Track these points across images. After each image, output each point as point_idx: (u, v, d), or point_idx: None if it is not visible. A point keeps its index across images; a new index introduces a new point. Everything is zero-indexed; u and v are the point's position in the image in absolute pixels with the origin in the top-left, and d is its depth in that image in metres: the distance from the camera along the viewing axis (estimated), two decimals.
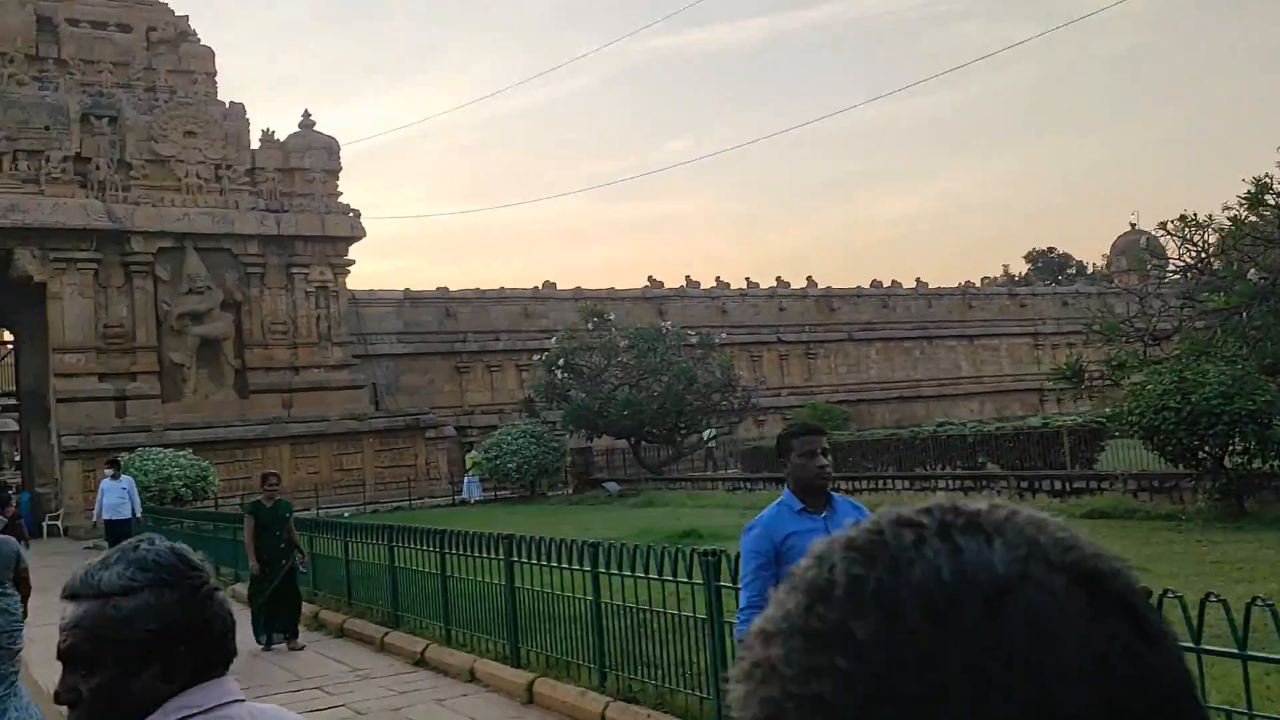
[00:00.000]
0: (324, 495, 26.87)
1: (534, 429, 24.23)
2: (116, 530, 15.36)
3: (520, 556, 6.56)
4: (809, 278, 41.03)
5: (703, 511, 17.35)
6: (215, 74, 30.03)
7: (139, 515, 15.48)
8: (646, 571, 5.32)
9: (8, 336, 32.30)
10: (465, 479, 26.80)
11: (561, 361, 24.44)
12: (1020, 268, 67.27)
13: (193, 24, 30.49)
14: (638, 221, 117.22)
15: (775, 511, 3.38)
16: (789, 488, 3.40)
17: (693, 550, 5.04)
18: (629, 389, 24.34)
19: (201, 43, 30.09)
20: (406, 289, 33.54)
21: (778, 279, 40.33)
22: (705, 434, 26.08)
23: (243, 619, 8.44)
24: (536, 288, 36.10)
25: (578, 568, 5.97)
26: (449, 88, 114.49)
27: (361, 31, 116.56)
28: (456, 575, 7.30)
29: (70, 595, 1.36)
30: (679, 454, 24.99)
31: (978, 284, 47.06)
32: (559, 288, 36.58)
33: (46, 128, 25.96)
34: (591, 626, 5.79)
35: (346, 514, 24.57)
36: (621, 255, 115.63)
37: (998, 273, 58.71)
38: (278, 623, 8.59)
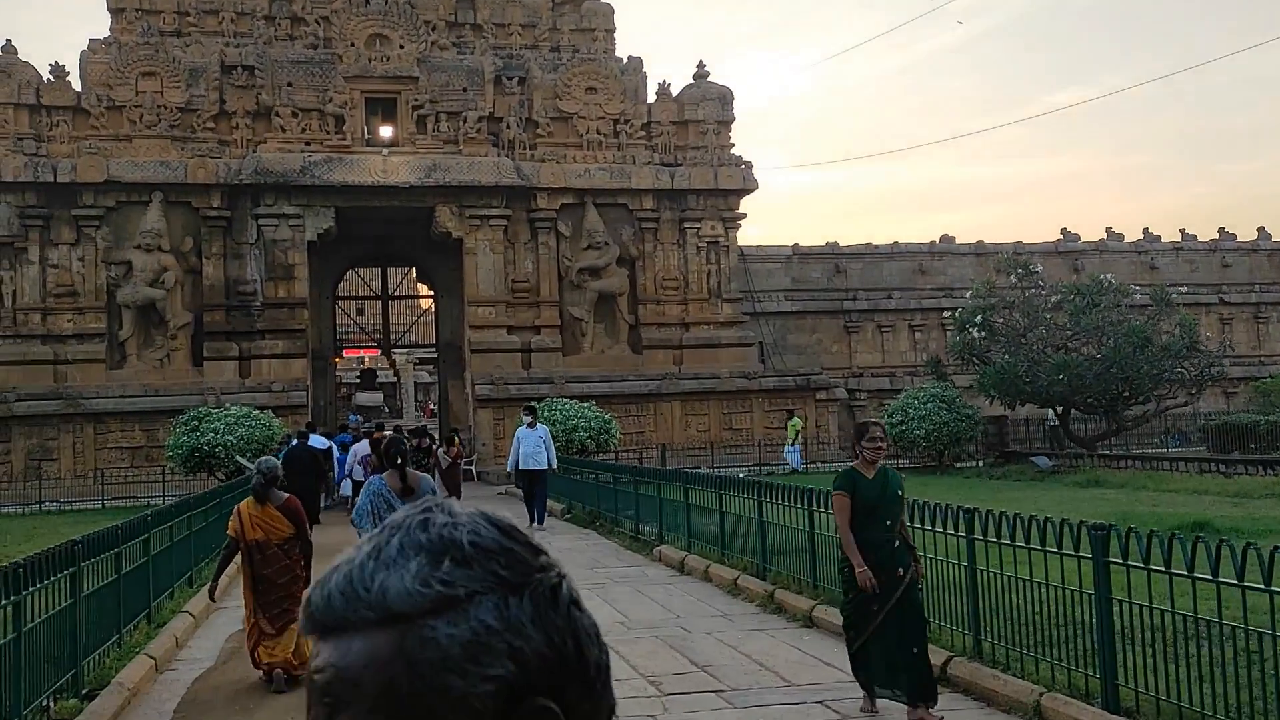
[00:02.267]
0: (714, 454, 26.25)
1: (944, 393, 21.92)
2: (531, 480, 15.12)
3: (1117, 556, 4.67)
4: (1260, 228, 34.84)
5: (1177, 497, 14.35)
6: (614, 30, 30.10)
7: (554, 466, 15.10)
8: None
9: (425, 291, 34.74)
10: (787, 448, 24.97)
11: (979, 319, 21.85)
12: None
13: None
14: (1027, 177, 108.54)
15: None
16: None
17: None
18: (1056, 351, 21.32)
19: (602, 1, 30.26)
20: (795, 244, 32.16)
21: (1220, 230, 34.60)
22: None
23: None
24: (933, 242, 33.36)
25: (1262, 586, 3.98)
26: (821, 51, 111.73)
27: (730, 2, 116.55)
28: (991, 569, 5.55)
29: (325, 626, 0.71)
30: (1119, 427, 21.60)
31: None
32: (957, 242, 33.62)
33: (464, 89, 27.10)
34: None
35: (742, 474, 23.69)
36: (1017, 212, 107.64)
37: None
38: (889, 673, 5.37)
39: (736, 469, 24.65)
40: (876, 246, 32.87)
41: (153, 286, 25.12)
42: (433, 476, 22.52)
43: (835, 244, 32.60)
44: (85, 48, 25.96)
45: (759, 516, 8.59)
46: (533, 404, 15.82)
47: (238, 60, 26.40)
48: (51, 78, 25.38)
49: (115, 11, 26.93)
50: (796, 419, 25.74)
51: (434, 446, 19.62)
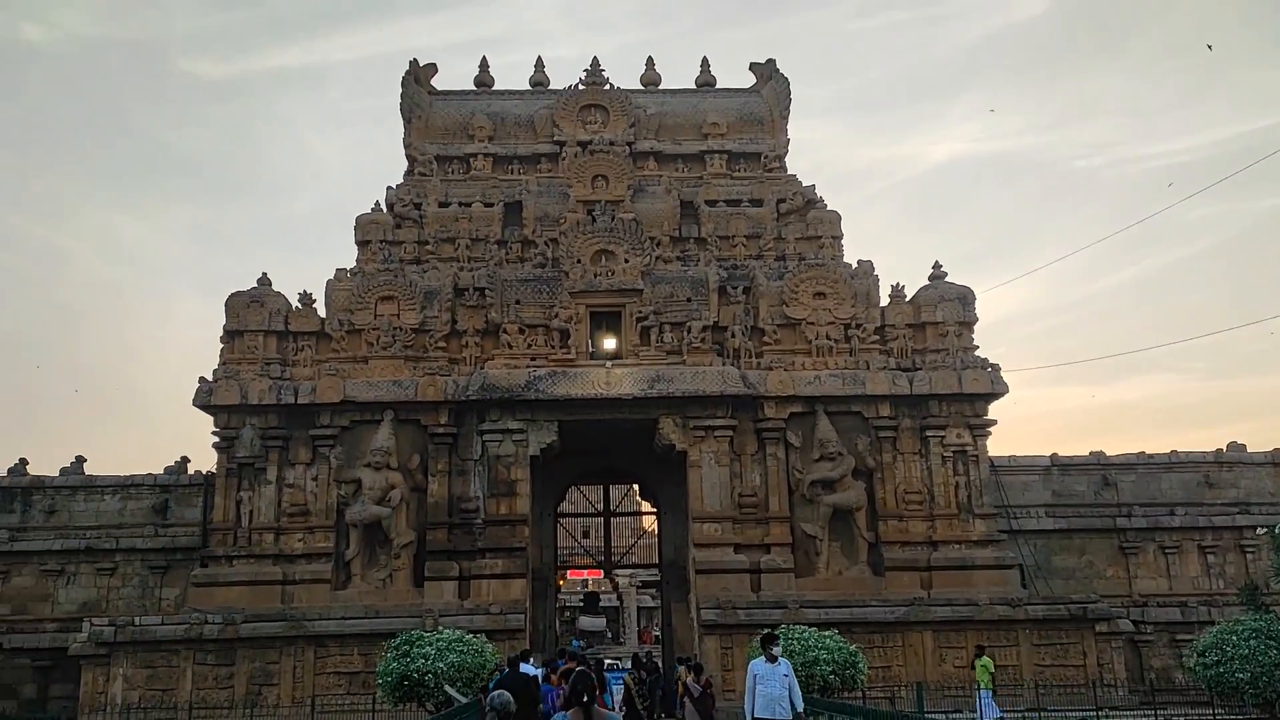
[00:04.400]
0: (974, 695, 22.59)
1: (1269, 627, 17.92)
2: None
3: None
4: None
5: None
6: (841, 237, 29.16)
7: (800, 711, 12.47)
8: None
9: (647, 508, 33.34)
10: (979, 693, 20.54)
11: None
12: None
13: (818, 191, 30.24)
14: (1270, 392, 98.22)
15: None
16: None
17: None
18: None
19: (828, 208, 29.56)
20: (1054, 454, 28.85)
21: None
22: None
23: None
24: (1219, 450, 29.19)
25: None
26: (1040, 271, 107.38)
27: (954, 223, 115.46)
28: None
29: None
30: None
31: None
32: (1248, 450, 29.29)
33: (688, 300, 26.51)
34: None
35: None
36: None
37: None
38: None
39: (1006, 715, 20.98)
40: (1151, 456, 29.01)
41: (379, 504, 24.96)
42: (682, 706, 20.29)
43: (1101, 453, 29.03)
44: (331, 277, 27.31)
45: None
46: (774, 632, 13.31)
47: (470, 282, 27.03)
48: (299, 305, 26.68)
49: (361, 244, 28.45)
50: (987, 658, 21.63)
51: (684, 674, 17.70)
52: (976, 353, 26.78)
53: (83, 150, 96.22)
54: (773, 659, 12.38)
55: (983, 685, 20.71)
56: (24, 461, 27.54)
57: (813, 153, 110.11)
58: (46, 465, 28.97)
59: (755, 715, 12.33)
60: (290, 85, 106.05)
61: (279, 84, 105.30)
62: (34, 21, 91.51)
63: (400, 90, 30.67)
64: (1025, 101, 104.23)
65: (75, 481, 27.23)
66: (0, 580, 26.18)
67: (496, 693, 6.82)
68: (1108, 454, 29.09)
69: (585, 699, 6.26)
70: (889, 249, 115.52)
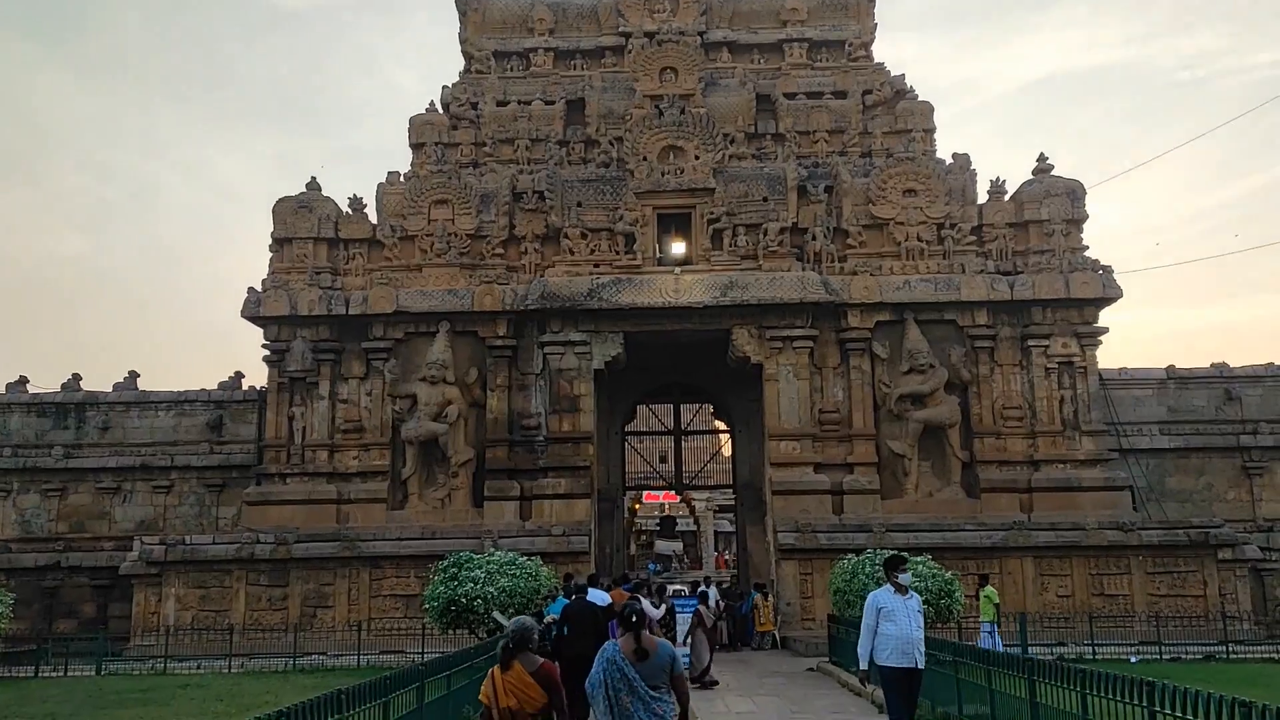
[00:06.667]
0: (1081, 627, 20.59)
1: None
2: (910, 684, 9.13)
3: None
4: None
5: None
6: (934, 130, 26.52)
7: (920, 665, 9.06)
8: None
9: (721, 427, 31.54)
10: (984, 625, 17.83)
11: None
12: None
13: (908, 82, 27.54)
14: None
15: None
16: None
17: None
18: None
19: (919, 99, 26.87)
20: (1170, 366, 26.15)
21: None
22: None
23: None
24: None
25: None
26: (1146, 188, 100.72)
27: (1051, 141, 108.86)
28: None
29: None
30: None
31: None
32: None
33: (764, 199, 24.30)
34: None
35: (1133, 659, 17.99)
36: None
37: None
38: None
39: (1120, 648, 18.96)
40: None
41: (436, 421, 23.59)
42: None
43: (1224, 365, 26.24)
44: (383, 180, 25.70)
45: None
46: (901, 555, 9.94)
47: (529, 185, 25.16)
48: (350, 211, 25.17)
49: (416, 147, 26.73)
50: (991, 588, 18.63)
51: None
52: (1086, 254, 24.14)
53: (173, 82, 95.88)
54: (902, 590, 9.33)
55: (986, 617, 18.17)
56: (77, 377, 26.81)
57: (899, 69, 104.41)
58: (104, 382, 28.21)
59: (882, 663, 9.14)
60: (369, 14, 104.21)
61: (358, 13, 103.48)
62: None
63: None
64: (1124, 11, 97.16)
65: (129, 397, 26.43)
66: (57, 498, 25.63)
67: (519, 618, 6.30)
68: (1231, 365, 26.29)
69: (635, 621, 6.37)
70: (982, 168, 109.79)
